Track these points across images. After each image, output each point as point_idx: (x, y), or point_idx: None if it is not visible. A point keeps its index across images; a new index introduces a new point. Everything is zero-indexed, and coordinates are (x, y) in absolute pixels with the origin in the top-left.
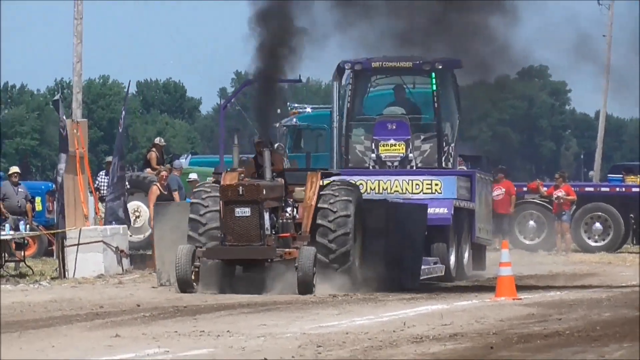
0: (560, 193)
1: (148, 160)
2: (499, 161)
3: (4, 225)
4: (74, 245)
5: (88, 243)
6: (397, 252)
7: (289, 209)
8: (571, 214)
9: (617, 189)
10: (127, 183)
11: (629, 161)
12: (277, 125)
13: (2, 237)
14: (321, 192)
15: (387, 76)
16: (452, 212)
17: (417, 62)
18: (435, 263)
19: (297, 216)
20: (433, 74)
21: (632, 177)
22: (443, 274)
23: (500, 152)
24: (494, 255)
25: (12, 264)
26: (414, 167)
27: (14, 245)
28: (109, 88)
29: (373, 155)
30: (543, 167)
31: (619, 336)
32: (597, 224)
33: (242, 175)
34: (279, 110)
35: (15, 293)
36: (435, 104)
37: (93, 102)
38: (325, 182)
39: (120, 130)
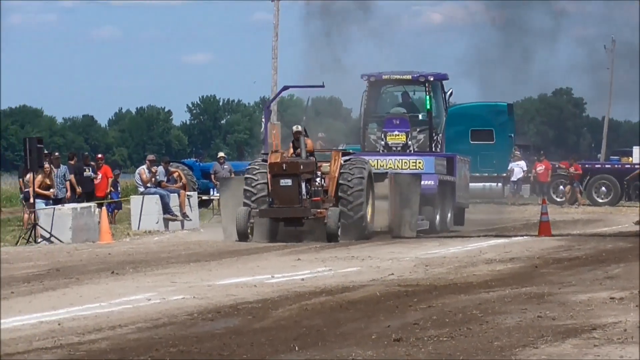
0: (572, 169)
1: None
2: (541, 148)
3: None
4: None
5: None
6: (398, 210)
7: (318, 180)
8: (583, 182)
9: (616, 166)
10: None
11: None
12: None
13: None
14: (341, 171)
15: (393, 85)
16: (437, 184)
17: (415, 75)
18: (422, 219)
19: (325, 185)
20: (426, 84)
21: (625, 158)
22: (428, 227)
23: (543, 142)
24: (537, 207)
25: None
26: (412, 151)
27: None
28: (293, 102)
29: (382, 142)
30: (567, 152)
31: (617, 259)
32: (603, 188)
33: (284, 155)
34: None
35: None
36: (428, 105)
37: (284, 110)
38: (344, 159)
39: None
